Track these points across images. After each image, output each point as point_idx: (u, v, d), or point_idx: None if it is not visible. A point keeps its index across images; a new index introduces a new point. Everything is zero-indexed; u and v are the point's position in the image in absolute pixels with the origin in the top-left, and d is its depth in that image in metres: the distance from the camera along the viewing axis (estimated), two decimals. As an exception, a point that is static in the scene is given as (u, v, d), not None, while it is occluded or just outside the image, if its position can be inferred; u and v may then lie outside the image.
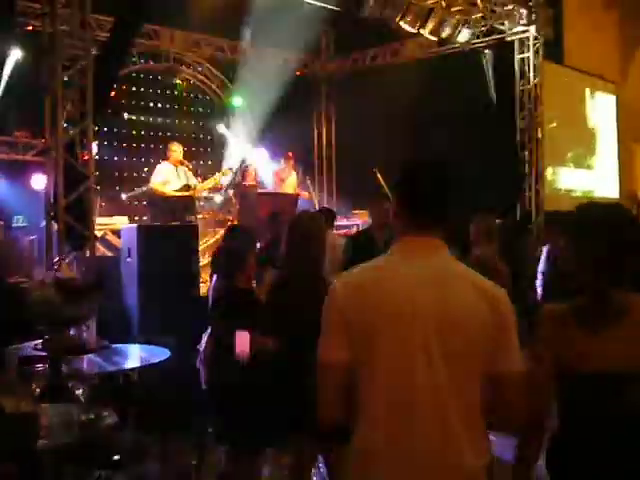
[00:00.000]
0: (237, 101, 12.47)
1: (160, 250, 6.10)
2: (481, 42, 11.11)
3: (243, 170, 10.18)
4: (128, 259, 6.21)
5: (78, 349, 4.29)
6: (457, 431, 1.91)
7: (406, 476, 1.93)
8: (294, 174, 10.43)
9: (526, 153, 11.03)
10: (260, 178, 10.47)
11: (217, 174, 9.62)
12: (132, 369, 3.93)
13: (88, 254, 5.88)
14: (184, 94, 12.30)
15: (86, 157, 5.86)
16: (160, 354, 4.46)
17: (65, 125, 5.77)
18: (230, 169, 10.17)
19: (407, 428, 1.92)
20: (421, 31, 10.01)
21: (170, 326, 5.61)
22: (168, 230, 6.62)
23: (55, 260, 5.60)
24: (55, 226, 5.78)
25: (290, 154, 10.55)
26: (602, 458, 2.19)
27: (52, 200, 5.81)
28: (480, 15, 10.20)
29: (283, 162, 10.57)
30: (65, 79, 5.75)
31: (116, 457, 3.01)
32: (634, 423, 2.17)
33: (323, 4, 9.92)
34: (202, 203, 9.89)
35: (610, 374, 2.14)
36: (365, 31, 11.18)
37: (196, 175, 9.72)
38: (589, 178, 13.38)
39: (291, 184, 10.26)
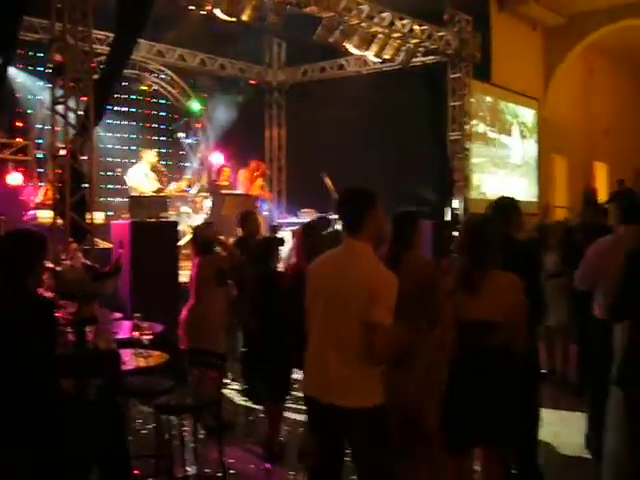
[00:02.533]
0: (196, 107, 13.55)
1: (148, 242, 7.21)
2: (418, 62, 12.48)
3: (218, 171, 11.32)
4: (120, 250, 7.29)
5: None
6: (340, 352, 3.20)
7: (313, 372, 3.36)
8: (260, 179, 11.58)
9: (455, 162, 12.48)
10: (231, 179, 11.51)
11: (182, 182, 10.66)
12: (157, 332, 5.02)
13: (88, 246, 6.95)
14: (147, 99, 13.34)
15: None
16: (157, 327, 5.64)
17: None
18: (194, 179, 11.24)
19: (317, 348, 3.31)
20: (365, 53, 11.30)
21: (158, 306, 6.75)
22: (154, 225, 7.71)
23: (63, 250, 6.63)
24: (59, 221, 6.83)
25: (258, 161, 11.74)
26: (473, 379, 3.59)
27: (57, 198, 6.85)
28: (418, 40, 11.53)
29: (252, 165, 11.65)
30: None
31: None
32: (492, 356, 3.58)
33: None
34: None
35: (474, 322, 3.56)
36: (314, 46, 12.34)
37: (163, 176, 10.80)
38: (511, 185, 14.93)
39: (257, 186, 11.43)
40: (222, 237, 7.94)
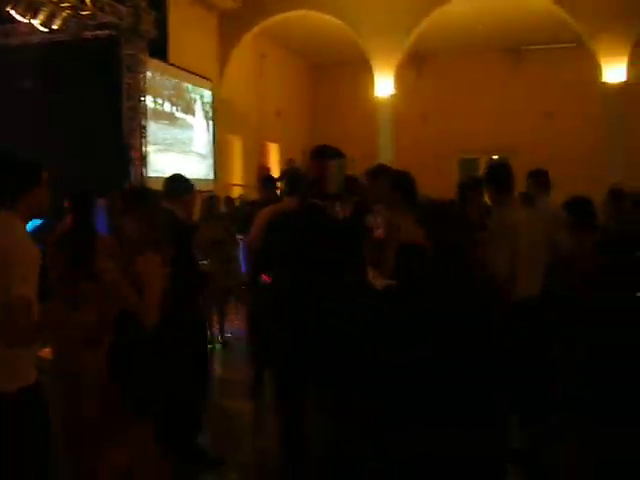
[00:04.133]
0: None
1: None
2: (91, 35, 12.11)
3: None
4: None
5: None
6: None
7: None
8: None
9: (132, 140, 12.38)
10: None
11: None
12: None
13: None
14: None
15: None
16: None
17: None
18: None
19: None
20: (32, 21, 10.69)
21: None
22: None
23: None
24: None
25: None
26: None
27: None
28: (89, 12, 11.19)
29: None
30: None
31: None
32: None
33: None
34: None
35: None
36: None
37: None
38: (192, 163, 15.30)
39: None
40: None
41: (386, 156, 15.94)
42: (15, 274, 2.93)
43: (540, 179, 6.48)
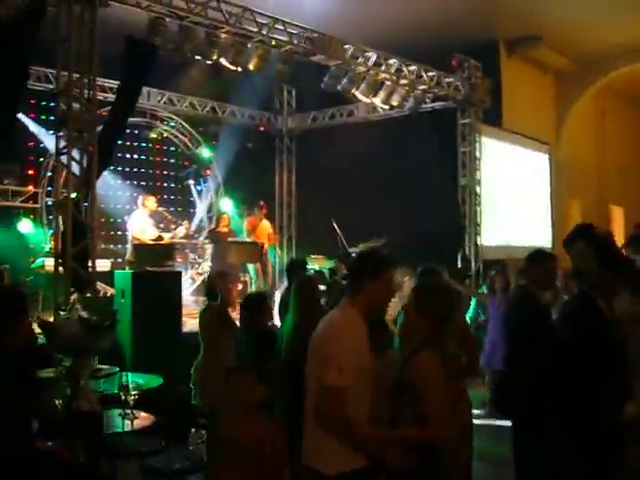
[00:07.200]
0: (206, 154, 13.60)
1: (151, 293, 7.13)
2: (427, 108, 12.47)
3: (218, 217, 11.27)
4: (122, 300, 7.21)
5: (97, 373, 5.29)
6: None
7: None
8: (267, 222, 11.50)
9: (466, 208, 12.35)
10: (232, 225, 11.48)
11: (181, 227, 10.58)
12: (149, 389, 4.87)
13: (89, 295, 6.86)
14: (158, 146, 13.42)
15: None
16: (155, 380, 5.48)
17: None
18: (188, 223, 11.20)
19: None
20: (373, 100, 11.28)
21: (159, 358, 6.61)
22: (157, 275, 7.64)
23: (64, 301, 6.56)
24: (61, 270, 6.78)
25: (262, 203, 11.64)
26: None
27: (60, 248, 6.81)
28: (426, 87, 11.52)
29: (256, 211, 11.61)
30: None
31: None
32: None
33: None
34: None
35: None
36: (324, 92, 12.36)
37: (169, 222, 10.82)
38: (524, 230, 14.75)
39: (264, 232, 11.32)
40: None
41: None
42: (330, 362, 2.96)
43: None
